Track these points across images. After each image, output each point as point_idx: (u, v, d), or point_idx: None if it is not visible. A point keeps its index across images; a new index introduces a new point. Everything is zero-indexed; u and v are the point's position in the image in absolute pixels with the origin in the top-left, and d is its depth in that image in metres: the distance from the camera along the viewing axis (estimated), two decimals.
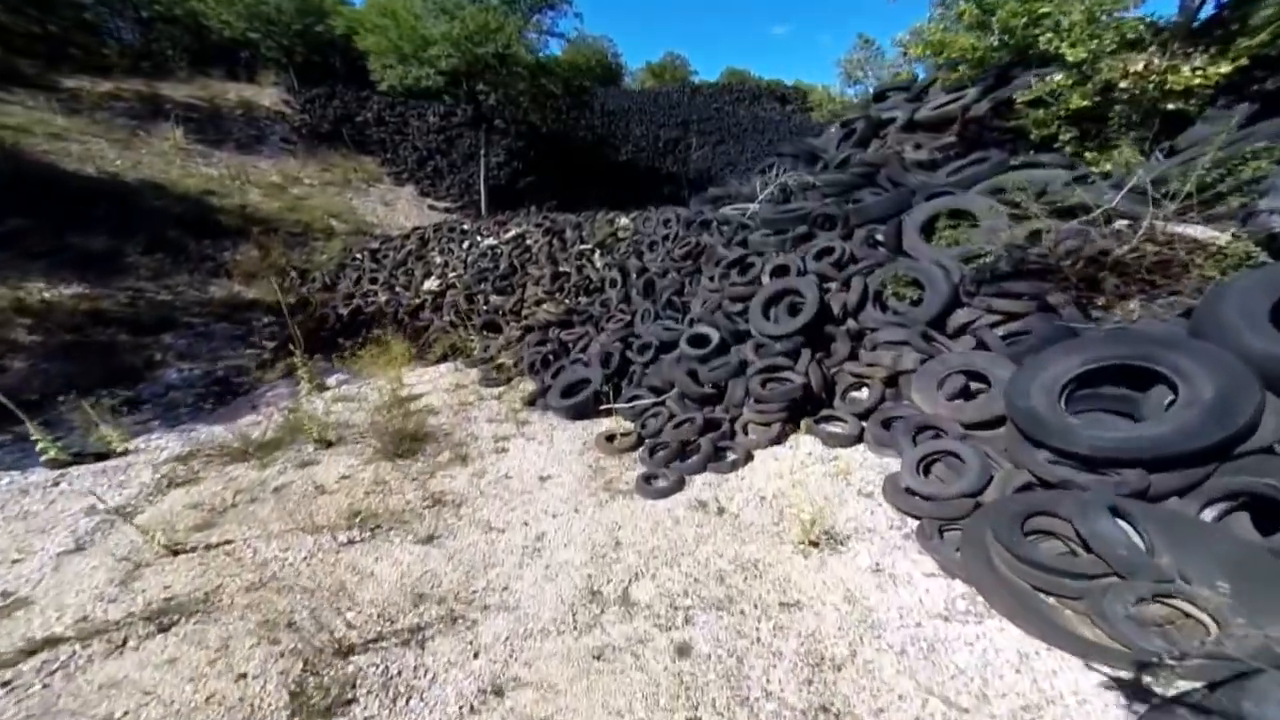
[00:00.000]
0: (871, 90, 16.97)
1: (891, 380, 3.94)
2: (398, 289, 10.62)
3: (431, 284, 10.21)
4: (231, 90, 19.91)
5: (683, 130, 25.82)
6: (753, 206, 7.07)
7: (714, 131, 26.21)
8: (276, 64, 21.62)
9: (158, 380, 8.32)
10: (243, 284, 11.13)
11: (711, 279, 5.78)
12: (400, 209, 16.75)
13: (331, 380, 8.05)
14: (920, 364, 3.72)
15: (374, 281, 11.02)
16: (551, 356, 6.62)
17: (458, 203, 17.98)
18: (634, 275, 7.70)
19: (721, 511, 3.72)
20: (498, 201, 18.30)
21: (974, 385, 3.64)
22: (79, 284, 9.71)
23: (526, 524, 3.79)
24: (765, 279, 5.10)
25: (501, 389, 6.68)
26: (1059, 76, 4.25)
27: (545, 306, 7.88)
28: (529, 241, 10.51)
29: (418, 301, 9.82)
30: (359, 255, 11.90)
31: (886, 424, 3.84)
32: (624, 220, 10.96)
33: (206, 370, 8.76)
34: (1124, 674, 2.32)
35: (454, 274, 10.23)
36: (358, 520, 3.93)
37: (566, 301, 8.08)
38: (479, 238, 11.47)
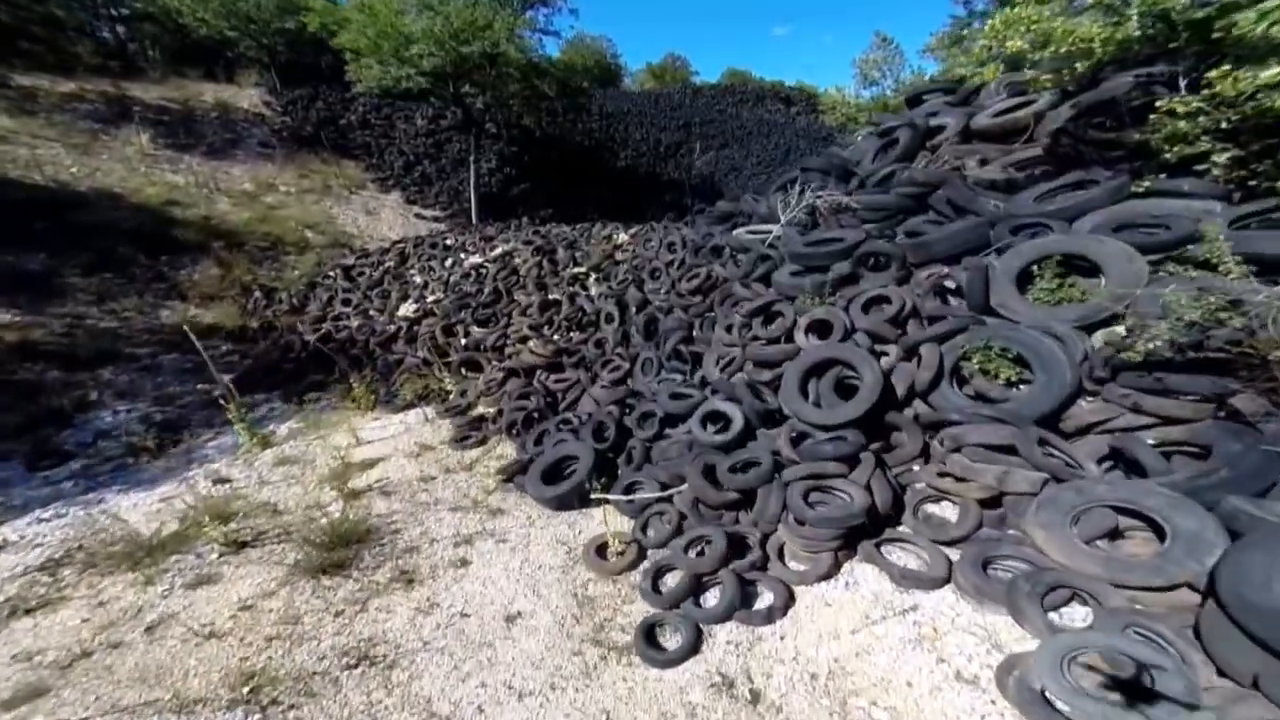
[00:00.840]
0: (890, 92, 15.96)
1: (992, 499, 2.84)
2: (372, 313, 9.53)
3: (408, 309, 9.11)
4: (209, 91, 18.84)
5: (684, 134, 24.72)
6: (775, 230, 5.97)
7: (717, 135, 25.12)
8: (259, 64, 20.60)
9: (88, 425, 7.24)
10: (200, 307, 10.04)
11: (729, 329, 4.67)
12: (384, 218, 15.66)
13: (283, 429, 6.98)
14: (1041, 487, 2.62)
15: (347, 303, 9.93)
16: (535, 415, 5.52)
17: (446, 211, 16.88)
18: (633, 309, 6.59)
19: (756, 698, 2.60)
20: (489, 210, 17.22)
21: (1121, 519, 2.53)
22: (7, 310, 8.62)
23: (482, 710, 2.68)
24: (800, 337, 3.99)
25: (475, 454, 5.57)
26: (1268, 72, 3.07)
27: (531, 344, 6.78)
28: (517, 261, 9.41)
29: (392, 329, 8.72)
30: (332, 273, 10.81)
31: (988, 565, 2.73)
32: (623, 236, 9.88)
33: (146, 413, 7.66)
34: None
35: (433, 298, 9.13)
36: (247, 690, 2.82)
37: (556, 338, 6.98)
38: (463, 255, 10.37)
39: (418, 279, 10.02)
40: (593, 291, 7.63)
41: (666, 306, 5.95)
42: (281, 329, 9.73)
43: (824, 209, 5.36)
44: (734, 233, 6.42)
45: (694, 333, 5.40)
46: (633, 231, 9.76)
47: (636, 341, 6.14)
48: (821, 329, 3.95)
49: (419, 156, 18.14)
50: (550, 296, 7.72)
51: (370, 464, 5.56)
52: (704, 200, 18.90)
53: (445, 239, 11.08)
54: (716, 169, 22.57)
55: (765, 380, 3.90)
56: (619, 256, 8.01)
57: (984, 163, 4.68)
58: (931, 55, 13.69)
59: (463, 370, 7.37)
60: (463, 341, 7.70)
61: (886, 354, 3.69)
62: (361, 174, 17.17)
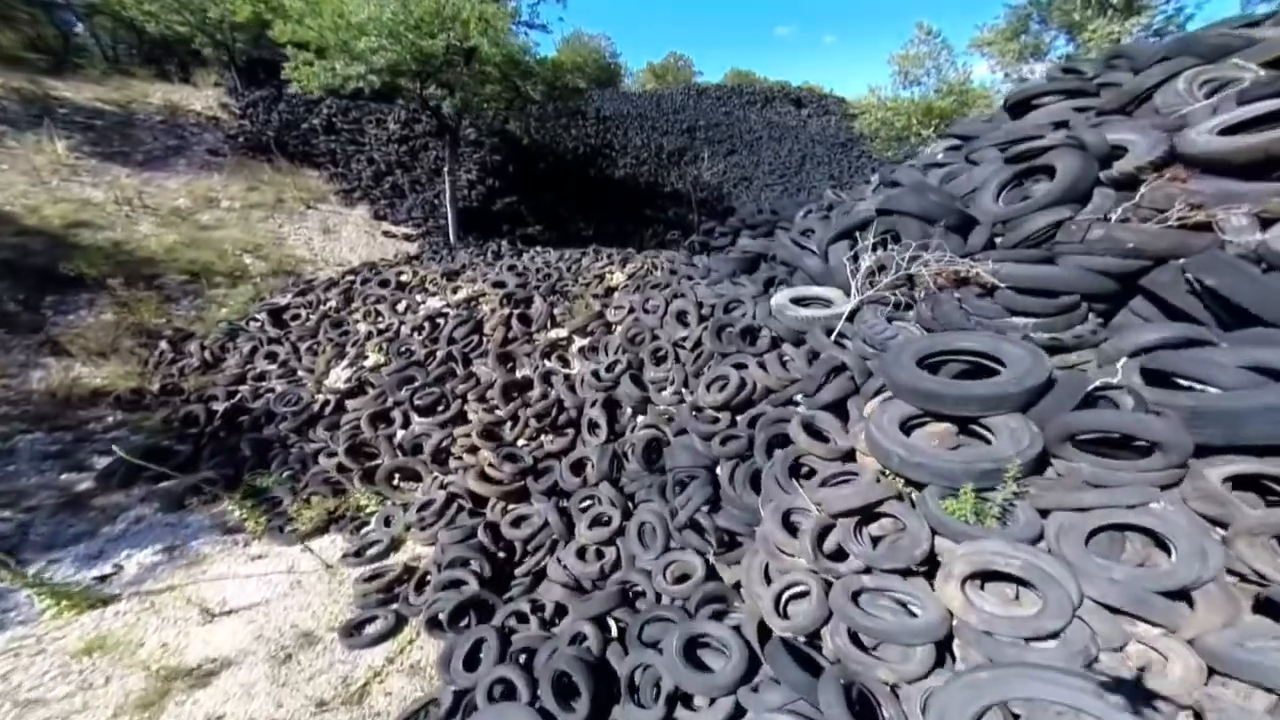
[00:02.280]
0: (934, 93, 13.82)
1: None
2: (301, 373, 7.51)
3: (340, 376, 7.09)
4: (158, 92, 16.78)
5: (688, 139, 22.64)
6: (841, 305, 3.95)
7: (724, 140, 23.03)
8: (219, 63, 18.63)
9: None
10: (88, 363, 7.99)
11: (789, 524, 2.64)
12: (345, 237, 13.62)
13: (134, 564, 5.10)
14: None
15: (272, 358, 7.91)
16: (475, 602, 3.53)
17: (420, 228, 14.85)
18: (629, 411, 4.58)
19: None
20: (469, 226, 15.21)
21: None
22: None
23: None
24: (953, 592, 1.98)
25: (377, 656, 3.59)
26: None
27: (484, 457, 4.76)
28: (485, 308, 7.39)
29: (318, 404, 6.71)
30: (259, 316, 8.78)
31: None
32: (618, 275, 7.87)
33: None
34: None
35: (372, 360, 7.10)
36: None
37: (521, 444, 4.95)
38: (419, 297, 8.35)
39: (362, 328, 7.99)
40: (574, 368, 5.61)
41: (677, 426, 3.92)
42: (189, 392, 7.70)
43: (931, 281, 3.34)
44: (773, 302, 4.40)
45: (722, 483, 3.38)
46: (630, 271, 7.75)
47: (632, 469, 4.12)
48: (1001, 581, 1.95)
49: (391, 165, 16.11)
50: (519, 374, 5.70)
51: (207, 676, 3.57)
52: (711, 215, 16.86)
53: (401, 274, 9.05)
54: (725, 178, 20.49)
55: (884, 680, 1.88)
56: (611, 315, 5.99)
57: (1266, 221, 2.62)
58: (980, 51, 11.67)
59: (393, 480, 5.36)
60: (399, 436, 5.68)
61: (1150, 648, 1.67)
62: (323, 185, 15.13)
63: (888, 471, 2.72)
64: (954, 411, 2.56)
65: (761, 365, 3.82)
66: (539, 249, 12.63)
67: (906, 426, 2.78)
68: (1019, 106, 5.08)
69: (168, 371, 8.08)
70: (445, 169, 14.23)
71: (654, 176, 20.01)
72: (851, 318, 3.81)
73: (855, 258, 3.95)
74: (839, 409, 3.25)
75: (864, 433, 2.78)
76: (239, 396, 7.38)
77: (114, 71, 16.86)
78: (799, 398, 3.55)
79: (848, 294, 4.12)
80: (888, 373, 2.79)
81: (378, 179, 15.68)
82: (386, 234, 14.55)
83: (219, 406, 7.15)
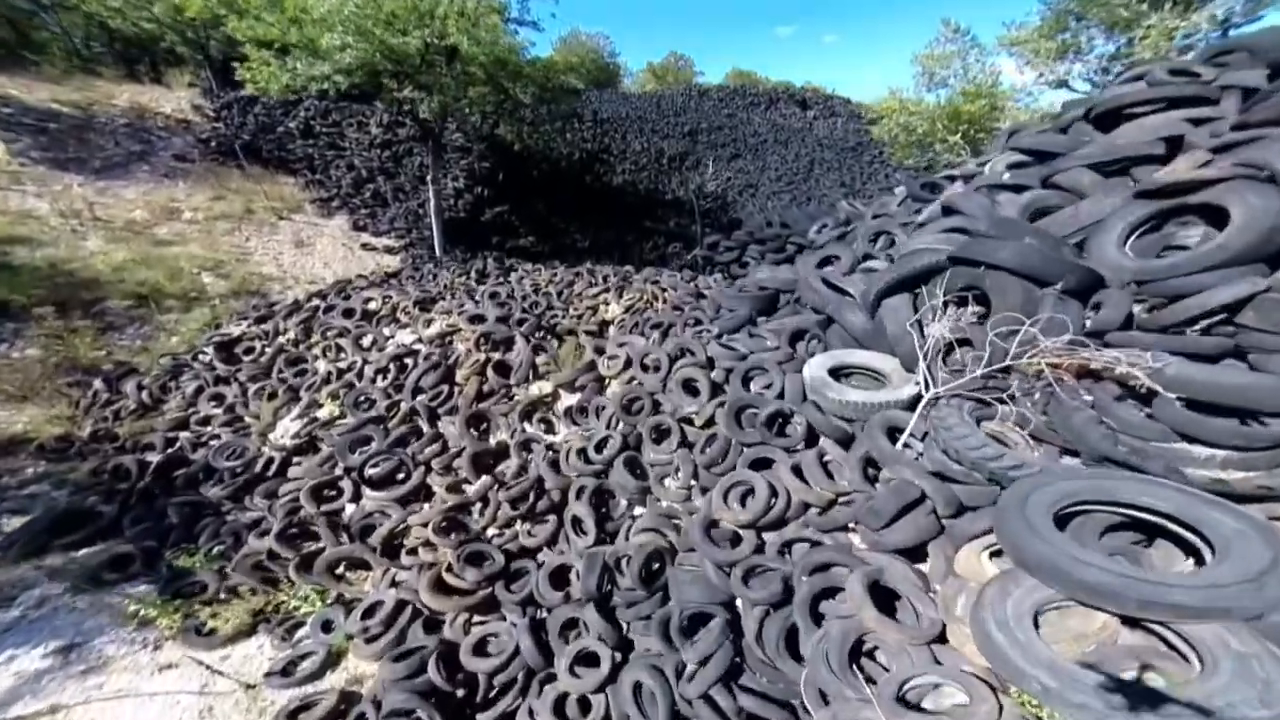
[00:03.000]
0: (961, 96, 12.70)
1: None
2: (248, 419, 6.53)
3: (289, 429, 6.11)
4: (125, 93, 15.75)
5: (690, 142, 21.65)
6: (900, 380, 3.00)
7: (727, 144, 22.05)
8: (195, 63, 17.64)
9: None
10: (9, 407, 7.01)
11: None
12: (320, 251, 12.63)
13: (13, 671, 4.20)
14: None
15: (218, 400, 6.94)
16: None
17: (403, 240, 13.88)
18: (623, 505, 3.62)
19: None
20: (456, 238, 14.24)
21: None
22: None
23: None
24: None
25: None
26: None
27: (442, 554, 3.80)
28: (460, 349, 6.42)
29: (261, 462, 5.74)
30: (207, 350, 7.78)
31: None
32: (615, 308, 6.92)
33: None
34: None
35: (328, 408, 6.13)
36: None
37: (491, 533, 3.98)
38: (387, 330, 7.37)
39: (321, 366, 7.02)
40: (559, 434, 4.63)
41: (685, 541, 2.97)
42: (123, 439, 6.72)
43: (1050, 373, 2.38)
44: (807, 374, 3.43)
45: (745, 626, 2.42)
46: (627, 302, 6.79)
47: (627, 588, 3.16)
48: None
49: (372, 171, 15.11)
50: (493, 440, 4.73)
51: None
52: (715, 227, 15.90)
53: (369, 301, 8.07)
54: (729, 186, 19.49)
55: None
56: (604, 368, 5.01)
57: None
58: (1009, 49, 10.71)
59: (336, 570, 4.40)
60: (346, 512, 4.70)
61: None
62: (299, 193, 14.13)
63: (1011, 687, 1.78)
64: (1134, 614, 1.62)
65: (797, 471, 2.87)
66: (529, 267, 11.68)
67: (1038, 615, 1.84)
68: (1107, 117, 4.13)
69: (101, 415, 7.08)
70: (429, 176, 13.25)
71: (654, 183, 19.02)
72: (916, 405, 2.86)
73: (920, 323, 3.00)
74: (915, 552, 2.31)
75: (972, 627, 1.84)
76: (178, 445, 6.41)
77: (77, 70, 15.80)
78: (852, 524, 2.61)
79: (908, 367, 3.16)
80: (1011, 537, 1.83)
81: (358, 186, 14.66)
82: (366, 246, 13.55)
83: (153, 458, 6.18)
